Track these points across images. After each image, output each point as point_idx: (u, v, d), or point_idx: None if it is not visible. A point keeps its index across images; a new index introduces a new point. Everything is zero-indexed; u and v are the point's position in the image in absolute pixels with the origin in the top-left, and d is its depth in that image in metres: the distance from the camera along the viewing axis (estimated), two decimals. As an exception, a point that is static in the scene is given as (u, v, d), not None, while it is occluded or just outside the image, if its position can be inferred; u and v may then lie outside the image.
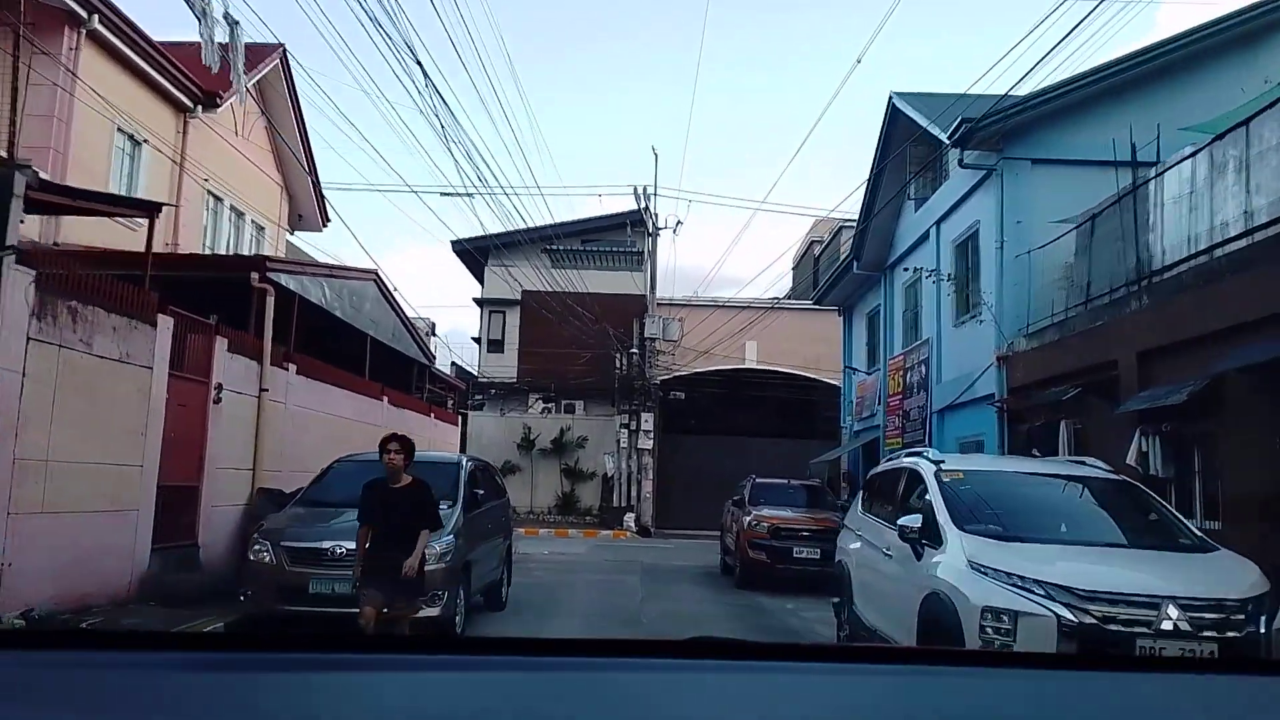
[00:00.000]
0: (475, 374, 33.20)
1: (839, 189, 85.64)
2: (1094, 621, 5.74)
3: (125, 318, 9.64)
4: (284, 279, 13.14)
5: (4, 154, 10.09)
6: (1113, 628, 5.72)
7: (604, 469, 30.22)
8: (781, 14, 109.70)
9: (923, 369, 17.61)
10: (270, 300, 12.58)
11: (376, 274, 16.67)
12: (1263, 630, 5.80)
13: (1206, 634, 5.72)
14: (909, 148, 17.43)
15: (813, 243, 35.05)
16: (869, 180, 18.85)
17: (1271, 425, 8.57)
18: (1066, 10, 13.97)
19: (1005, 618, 5.87)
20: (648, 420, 29.59)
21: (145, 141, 15.56)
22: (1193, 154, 10.71)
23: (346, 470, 10.85)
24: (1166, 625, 5.69)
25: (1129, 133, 12.95)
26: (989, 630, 5.89)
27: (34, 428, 8.26)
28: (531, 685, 1.39)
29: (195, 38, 10.66)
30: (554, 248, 29.59)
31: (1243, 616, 5.84)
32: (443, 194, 24.05)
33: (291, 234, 21.03)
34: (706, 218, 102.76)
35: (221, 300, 12.13)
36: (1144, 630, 5.69)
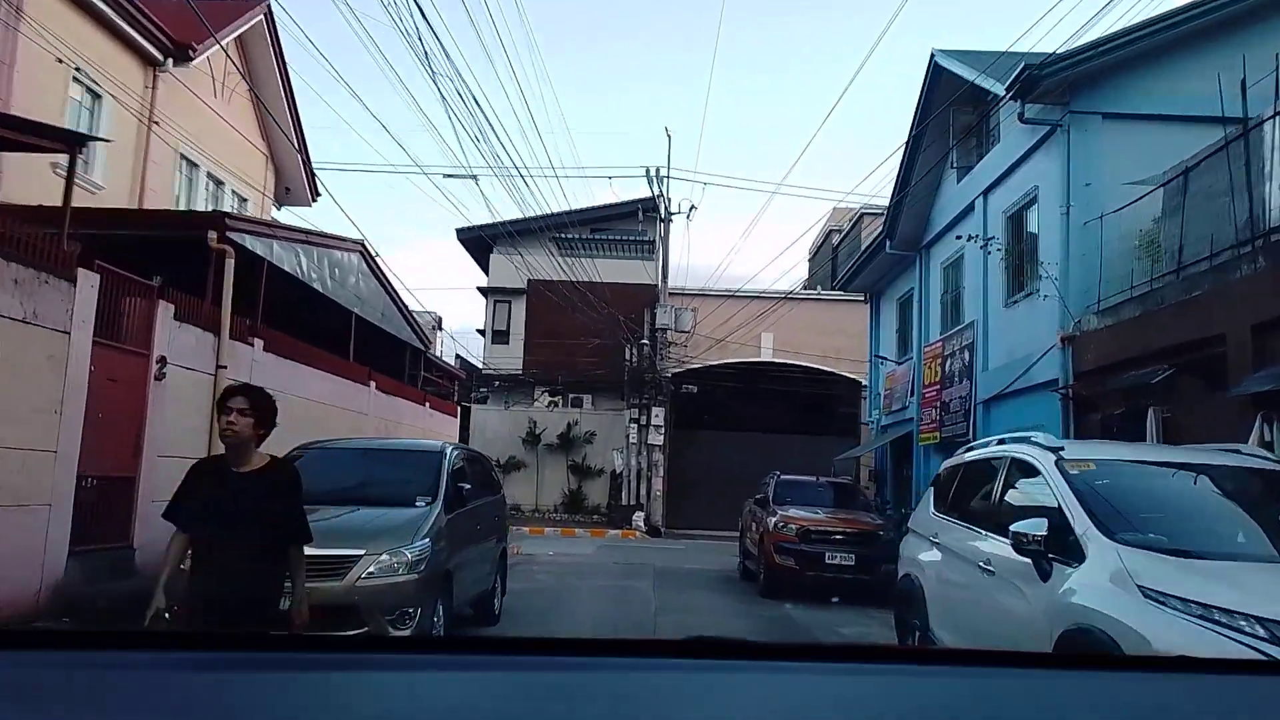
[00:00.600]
0: (479, 366, 31.25)
1: (860, 174, 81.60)
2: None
3: (32, 270, 7.70)
4: (249, 241, 11.20)
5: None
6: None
7: (612, 465, 28.27)
8: None
9: (966, 356, 15.60)
10: (230, 263, 10.64)
11: (362, 244, 14.72)
12: None
13: None
14: (951, 112, 15.44)
15: (831, 231, 33.06)
16: (905, 149, 16.85)
17: None
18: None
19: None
20: (659, 415, 27.63)
21: (108, 94, 13.64)
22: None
23: (308, 460, 8.91)
24: None
25: (1217, 83, 10.94)
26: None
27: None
28: (531, 685, 1.36)
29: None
30: (562, 235, 27.62)
31: None
32: (446, 175, 22.34)
33: (279, 209, 19.11)
34: (721, 205, 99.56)
35: (177, 264, 10.23)
36: None
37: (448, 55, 27.67)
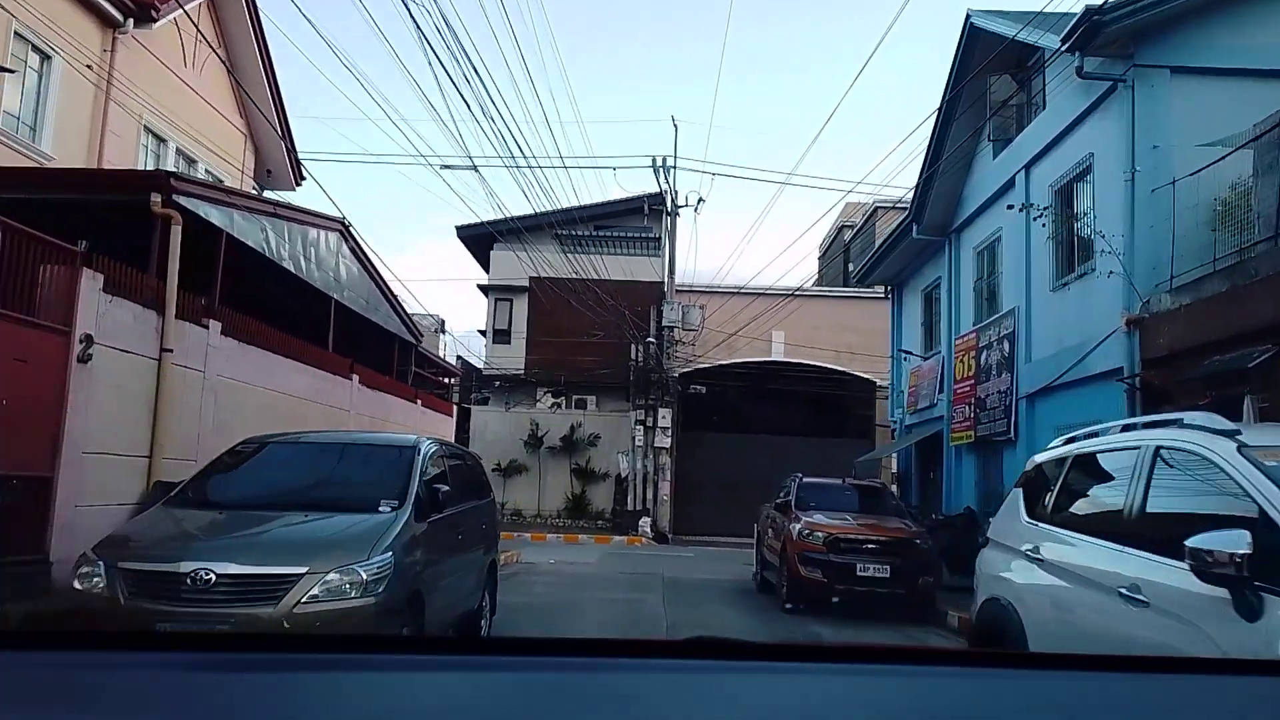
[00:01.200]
0: (479, 366, 29.63)
1: (874, 168, 78.50)
2: None
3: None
4: (203, 210, 9.59)
5: None
6: None
7: (618, 469, 26.61)
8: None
9: (1005, 346, 13.94)
10: (176, 230, 9.03)
11: (343, 223, 13.09)
12: None
13: None
14: (989, 80, 13.81)
15: (843, 227, 31.43)
16: (935, 122, 15.22)
17: None
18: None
19: None
20: (665, 416, 25.97)
21: (60, 55, 12.05)
22: None
23: (252, 457, 7.30)
24: None
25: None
26: None
27: None
28: (532, 685, 1.34)
29: None
30: (565, 233, 25.97)
31: None
32: (444, 166, 20.79)
33: (260, 192, 17.49)
34: (729, 199, 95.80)
35: (118, 233, 8.64)
36: None
37: (449, 30, 26.08)
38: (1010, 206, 12.36)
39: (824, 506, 13.02)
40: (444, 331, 36.10)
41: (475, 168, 22.53)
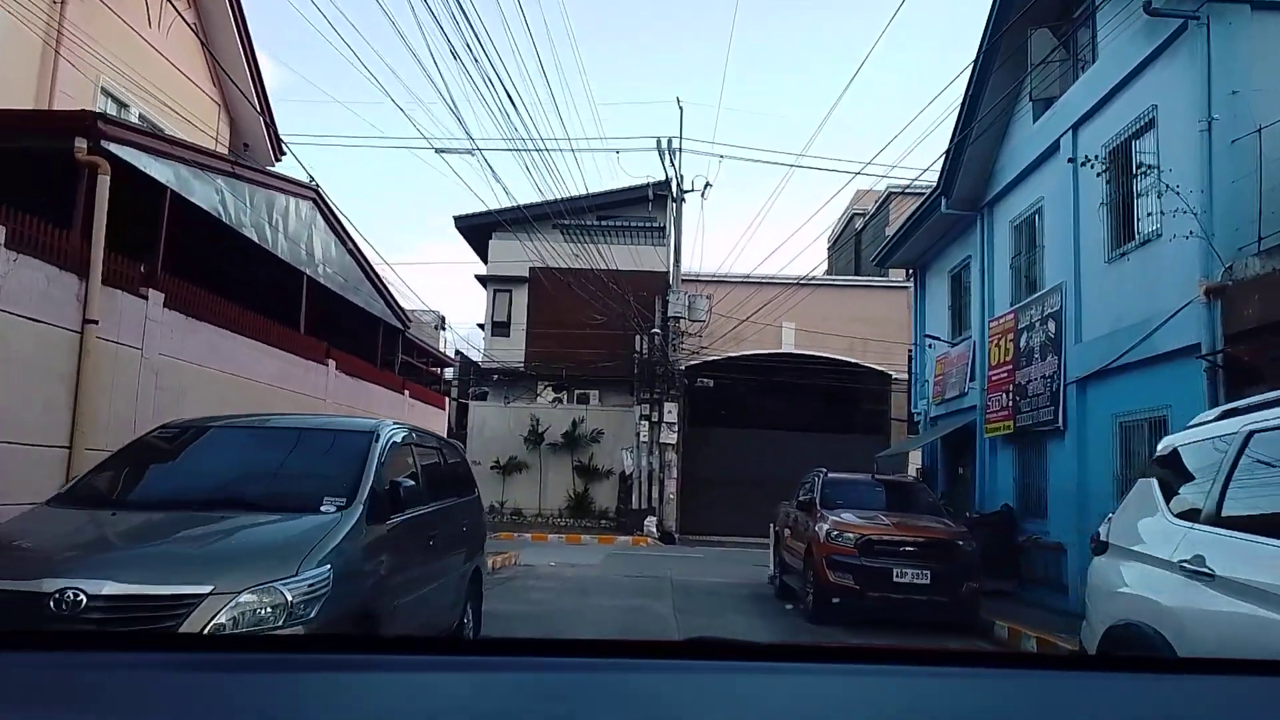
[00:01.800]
0: (476, 359, 28.14)
1: (889, 151, 74.82)
2: None
3: None
4: (143, 161, 8.11)
5: None
6: None
7: (622, 466, 25.13)
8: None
9: (1050, 327, 12.43)
10: (104, 182, 7.55)
11: (316, 190, 11.60)
12: None
13: None
14: (1030, 34, 12.31)
15: (854, 215, 29.91)
16: (969, 82, 13.70)
17: None
18: None
19: None
20: (671, 411, 24.49)
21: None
22: None
23: (170, 445, 5.82)
24: None
25: None
26: None
27: None
28: (532, 685, 1.32)
29: None
30: (567, 222, 24.46)
31: None
32: (438, 150, 19.36)
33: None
34: (738, 187, 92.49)
35: (45, 189, 7.18)
36: None
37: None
38: (1071, 159, 10.82)
39: (853, 504, 11.54)
40: (444, 328, 34.68)
41: (473, 150, 21.04)
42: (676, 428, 24.53)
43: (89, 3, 11.96)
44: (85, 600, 4.00)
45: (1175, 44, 9.92)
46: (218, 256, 9.82)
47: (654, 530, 23.49)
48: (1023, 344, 13.26)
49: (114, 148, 7.74)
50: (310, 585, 4.38)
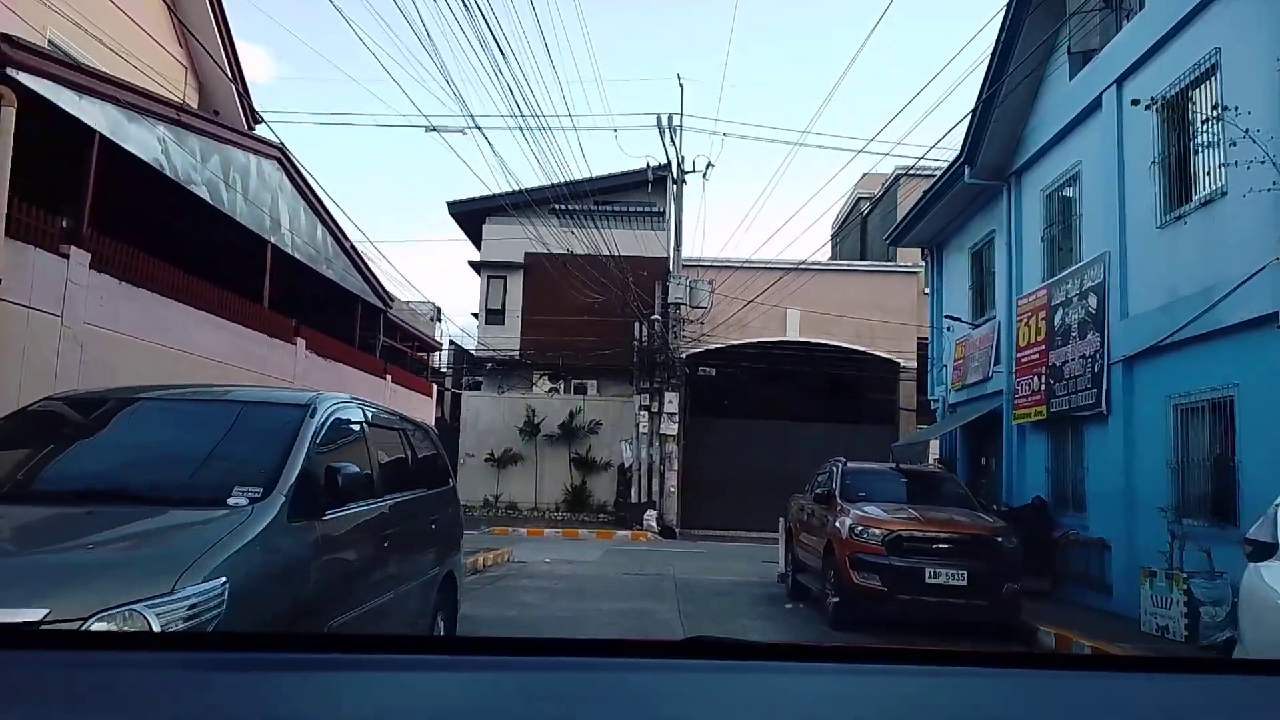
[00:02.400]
0: (469, 348, 26.87)
1: (897, 128, 70.76)
2: None
3: None
4: (64, 98, 6.85)
5: None
6: None
7: (621, 458, 23.87)
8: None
9: (1091, 301, 11.19)
10: (9, 115, 6.30)
11: (282, 150, 10.33)
12: None
13: None
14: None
15: (860, 199, 28.63)
16: (999, 34, 12.42)
17: None
18: None
19: None
20: (672, 401, 23.21)
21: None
22: None
23: (45, 422, 4.56)
24: None
25: None
26: None
27: None
28: (531, 685, 1.29)
29: None
30: (563, 207, 23.15)
31: None
32: (428, 129, 18.11)
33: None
34: (741, 169, 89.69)
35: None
36: None
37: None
38: (1135, 102, 9.54)
39: (877, 497, 10.30)
40: (439, 319, 33.43)
41: (467, 129, 19.80)
42: (677, 418, 23.28)
43: (33, -54, 10.69)
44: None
45: (1246, -25, 8.69)
46: (162, 216, 8.57)
47: (654, 524, 22.26)
48: (1057, 322, 12.02)
49: (25, 78, 6.48)
50: (192, 606, 3.14)
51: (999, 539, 9.36)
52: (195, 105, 14.14)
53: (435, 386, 15.65)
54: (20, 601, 2.96)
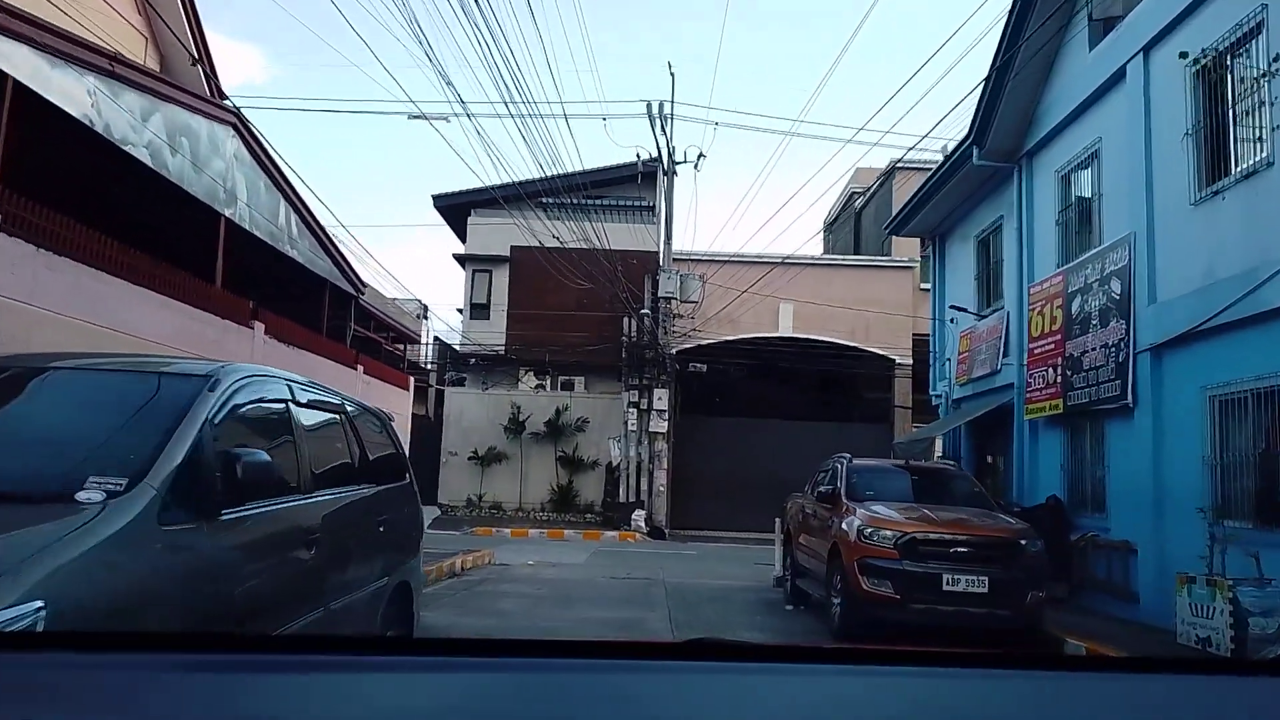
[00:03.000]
0: (454, 343, 25.84)
1: (914, 73, 67.15)
2: None
3: None
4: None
5: None
6: None
7: (609, 457, 22.89)
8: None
9: (1115, 286, 10.28)
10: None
11: (238, 115, 9.32)
12: None
13: None
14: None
15: (854, 194, 27.73)
16: (1009, 10, 11.49)
17: None
18: None
19: None
20: (662, 398, 22.27)
21: None
22: None
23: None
24: None
25: None
26: None
27: None
28: (531, 687, 1.27)
29: None
30: (551, 201, 22.13)
31: None
32: (411, 117, 17.21)
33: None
34: (733, 162, 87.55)
35: None
36: None
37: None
38: (1183, 55, 8.61)
39: (885, 496, 9.36)
40: (426, 317, 32.41)
41: (452, 116, 18.84)
42: (667, 416, 22.33)
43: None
44: None
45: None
46: (93, 179, 7.55)
47: (643, 525, 21.30)
48: (1075, 310, 11.10)
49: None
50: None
51: (1022, 542, 8.42)
52: (155, 77, 13.09)
53: (412, 380, 14.60)
54: None
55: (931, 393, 16.41)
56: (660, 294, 22.53)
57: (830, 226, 30.54)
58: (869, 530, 8.39)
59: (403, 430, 14.67)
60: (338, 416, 4.72)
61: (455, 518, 22.50)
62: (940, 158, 15.92)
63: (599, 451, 23.35)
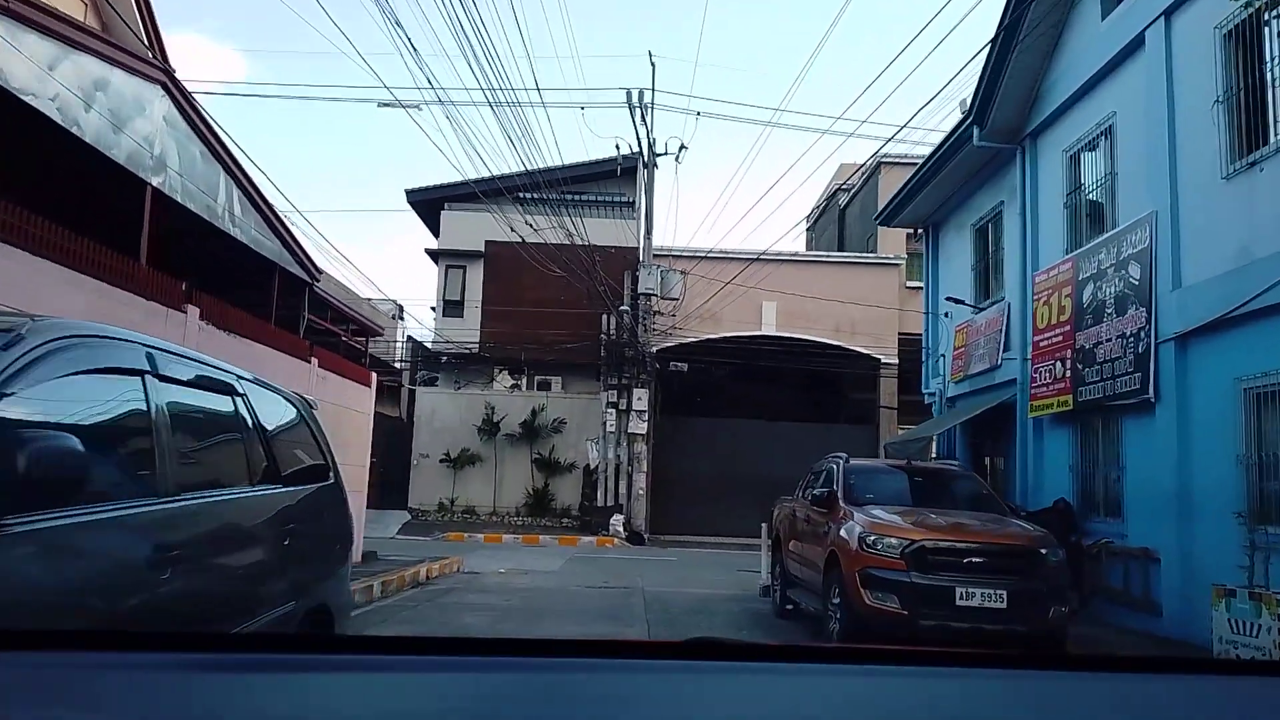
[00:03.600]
0: (426, 342, 24.75)
1: (907, 45, 64.83)
2: None
3: None
4: None
5: None
6: None
7: (586, 459, 21.88)
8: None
9: (1133, 272, 9.38)
10: None
11: (169, 74, 8.24)
12: None
13: None
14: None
15: (838, 190, 26.86)
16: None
17: None
18: None
19: None
20: (641, 398, 21.28)
21: None
22: None
23: None
24: None
25: None
26: None
27: None
28: (532, 687, 1.24)
29: None
30: (528, 196, 21.09)
31: None
32: (381, 105, 16.27)
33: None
34: (715, 156, 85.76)
35: None
36: None
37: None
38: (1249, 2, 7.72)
39: (886, 499, 8.38)
40: (402, 318, 31.28)
41: (428, 103, 17.78)
42: (647, 416, 21.32)
43: None
44: None
45: None
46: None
47: (621, 530, 20.28)
48: (1086, 298, 10.20)
49: None
50: None
51: (1043, 551, 7.46)
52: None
53: (375, 376, 13.52)
54: None
55: (924, 391, 15.49)
56: (640, 290, 21.54)
57: (813, 223, 29.66)
58: (872, 538, 7.41)
59: (365, 430, 13.55)
60: (229, 398, 3.68)
61: (426, 522, 21.43)
62: (924, 148, 15.11)
63: (576, 454, 22.34)
